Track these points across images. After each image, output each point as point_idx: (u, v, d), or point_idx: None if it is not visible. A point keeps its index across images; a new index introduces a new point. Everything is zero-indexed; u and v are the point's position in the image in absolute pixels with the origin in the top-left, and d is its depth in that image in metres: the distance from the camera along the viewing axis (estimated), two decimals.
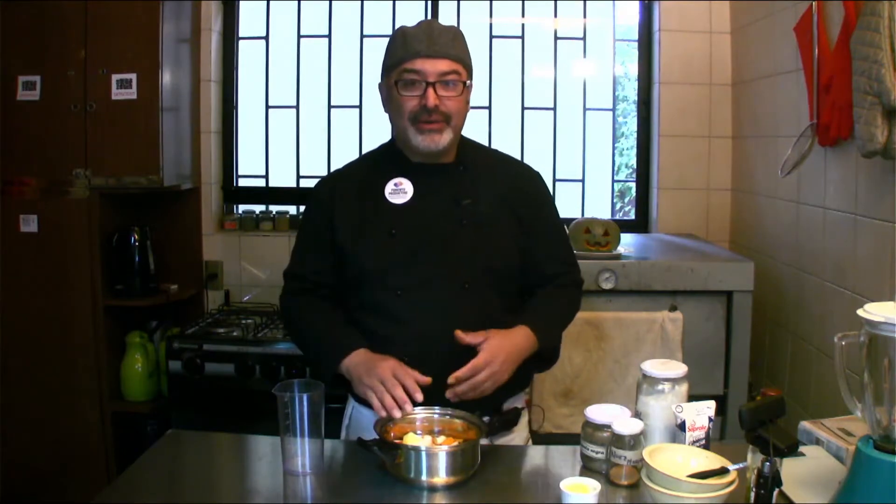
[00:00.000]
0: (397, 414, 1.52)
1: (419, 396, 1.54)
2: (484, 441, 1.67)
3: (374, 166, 1.78)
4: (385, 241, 1.69)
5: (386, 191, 1.72)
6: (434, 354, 1.64)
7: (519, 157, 1.99)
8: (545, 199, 1.85)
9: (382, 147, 1.84)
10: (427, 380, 1.56)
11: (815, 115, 2.28)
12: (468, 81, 1.69)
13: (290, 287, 1.84)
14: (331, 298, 1.79)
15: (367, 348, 1.66)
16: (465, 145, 1.79)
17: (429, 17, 3.32)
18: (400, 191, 1.72)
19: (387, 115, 1.76)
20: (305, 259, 1.81)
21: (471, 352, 1.61)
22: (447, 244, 1.68)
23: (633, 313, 2.50)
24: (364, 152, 1.92)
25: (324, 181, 1.85)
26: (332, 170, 1.91)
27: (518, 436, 1.79)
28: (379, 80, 1.75)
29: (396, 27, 1.71)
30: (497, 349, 1.59)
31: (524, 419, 1.83)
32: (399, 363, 1.59)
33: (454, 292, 1.67)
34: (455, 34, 1.67)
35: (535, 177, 1.86)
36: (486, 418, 1.68)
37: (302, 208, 3.44)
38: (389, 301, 1.68)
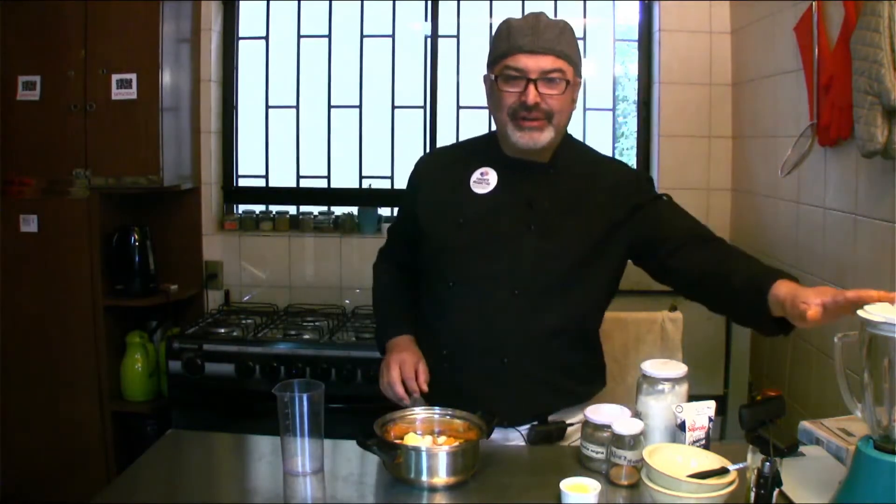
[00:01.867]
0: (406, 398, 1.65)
1: (416, 395, 1.65)
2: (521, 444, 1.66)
3: (469, 153, 1.77)
4: (451, 229, 1.68)
5: (472, 179, 1.70)
6: (467, 355, 1.65)
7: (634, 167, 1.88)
8: (644, 191, 1.73)
9: (485, 135, 1.82)
10: (423, 387, 1.64)
11: (815, 115, 2.28)
12: (574, 79, 1.62)
13: (383, 248, 1.96)
14: (409, 271, 1.85)
15: (411, 336, 1.76)
16: (565, 145, 1.72)
17: (428, 16, 3.32)
18: (484, 181, 1.69)
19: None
20: (395, 231, 1.93)
21: (503, 356, 1.64)
22: (508, 245, 1.64)
23: (633, 313, 2.49)
24: (468, 138, 1.89)
25: (422, 158, 1.88)
26: (436, 148, 1.94)
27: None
28: (484, 72, 1.70)
29: (503, 20, 1.65)
30: (823, 289, 1.34)
31: (575, 435, 1.68)
32: (412, 358, 1.68)
33: (502, 296, 1.63)
34: (563, 28, 1.60)
35: (636, 176, 1.78)
36: (525, 427, 1.67)
37: (302, 208, 3.45)
38: (442, 290, 1.69)
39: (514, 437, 1.69)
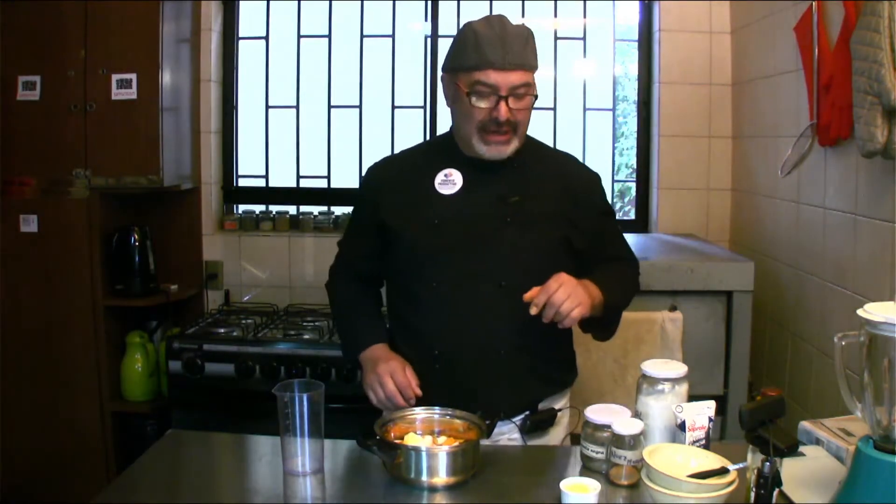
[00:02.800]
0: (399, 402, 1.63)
1: (412, 402, 1.63)
2: (518, 442, 1.69)
3: (428, 155, 1.78)
4: (427, 230, 1.68)
5: (436, 181, 1.71)
6: (462, 351, 1.67)
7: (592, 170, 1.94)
8: (596, 200, 1.81)
9: (438, 138, 1.84)
10: (417, 392, 1.63)
11: (815, 115, 2.28)
12: (535, 87, 1.65)
13: (336, 263, 1.92)
14: (371, 283, 1.86)
15: (385, 343, 1.73)
16: (525, 143, 1.75)
17: (428, 17, 3.31)
18: (449, 182, 1.71)
19: (447, 110, 1.75)
20: (350, 243, 1.88)
21: (500, 349, 1.66)
22: (488, 241, 1.67)
23: (633, 313, 2.49)
24: (419, 143, 1.91)
25: (372, 168, 1.85)
26: (385, 156, 1.91)
27: (553, 438, 1.77)
28: (442, 72, 1.71)
29: (465, 24, 1.65)
30: (560, 274, 1.58)
31: (563, 421, 1.80)
32: (400, 366, 1.65)
33: (489, 290, 1.66)
34: (526, 37, 1.62)
35: (590, 178, 1.83)
36: (520, 417, 1.70)
37: (302, 208, 3.45)
38: (425, 292, 1.70)
39: (507, 429, 1.71)
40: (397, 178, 1.77)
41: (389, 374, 1.64)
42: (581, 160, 1.89)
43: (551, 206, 1.71)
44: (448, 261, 1.67)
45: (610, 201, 3.42)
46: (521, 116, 1.64)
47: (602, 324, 1.74)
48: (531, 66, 1.63)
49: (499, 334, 1.67)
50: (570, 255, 1.73)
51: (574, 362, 1.89)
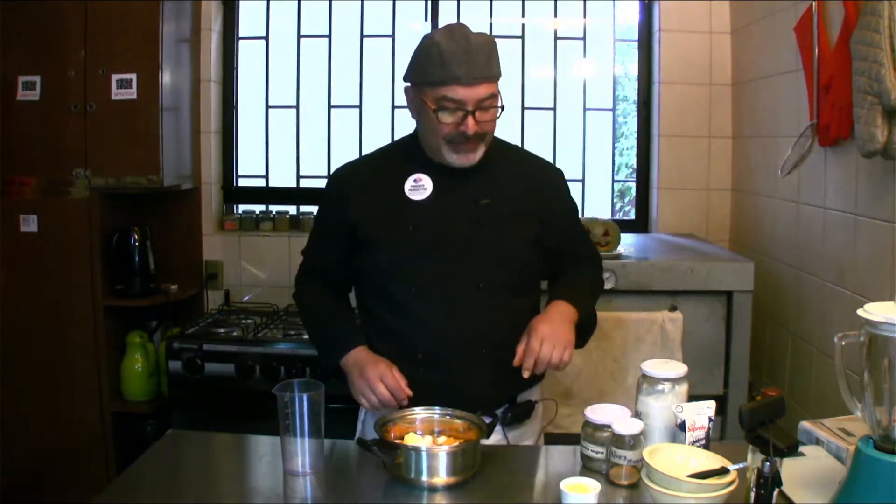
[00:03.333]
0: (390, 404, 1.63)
1: (404, 403, 1.62)
2: (498, 435, 1.70)
3: (394, 160, 1.78)
4: (404, 236, 1.69)
5: (406, 187, 1.71)
6: (446, 351, 1.68)
7: (554, 164, 1.98)
8: (562, 197, 1.84)
9: (402, 141, 1.84)
10: (408, 392, 1.63)
11: (815, 115, 2.28)
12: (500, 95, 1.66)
13: (302, 272, 1.89)
14: (340, 289, 1.84)
15: (365, 346, 1.71)
16: (490, 144, 1.76)
17: (428, 17, 3.31)
18: (420, 187, 1.71)
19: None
20: (317, 250, 1.86)
21: (483, 348, 1.68)
22: (464, 243, 1.69)
23: (633, 313, 2.50)
24: (378, 147, 1.89)
25: (339, 173, 1.83)
26: (349, 160, 1.89)
27: (531, 429, 1.80)
28: (406, 84, 1.72)
29: (426, 37, 1.66)
30: (538, 324, 1.63)
31: (539, 413, 1.84)
32: (388, 368, 1.65)
33: (469, 291, 1.68)
34: (490, 49, 1.62)
35: (555, 175, 1.86)
36: (499, 410, 1.72)
37: (302, 208, 3.44)
38: (405, 296, 1.70)
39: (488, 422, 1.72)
40: (366, 182, 1.76)
41: (379, 377, 1.64)
42: (542, 156, 1.92)
43: (521, 205, 1.74)
44: (426, 265, 1.69)
45: (610, 202, 3.47)
46: (488, 127, 1.65)
47: (578, 334, 1.74)
48: (496, 77, 1.64)
49: (480, 333, 1.69)
50: (540, 252, 1.77)
51: None
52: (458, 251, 1.68)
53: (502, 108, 1.66)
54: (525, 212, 1.74)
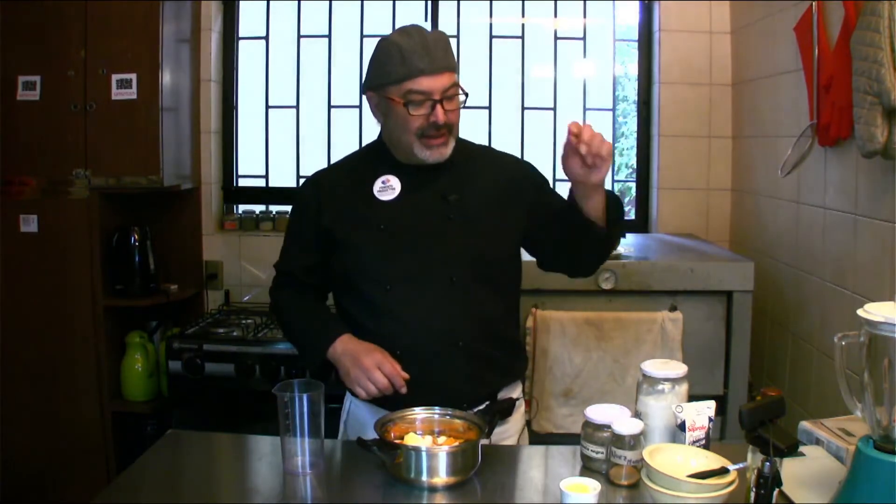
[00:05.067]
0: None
1: (403, 390, 1.63)
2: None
3: (362, 164, 1.82)
4: (374, 236, 1.71)
5: (374, 188, 1.75)
6: (423, 348, 1.69)
7: (519, 157, 2.00)
8: (542, 179, 1.87)
9: (369, 146, 1.87)
10: (405, 375, 1.63)
11: (815, 115, 2.28)
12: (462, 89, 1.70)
13: (277, 281, 1.90)
14: (316, 292, 1.87)
15: (350, 333, 1.73)
16: (456, 144, 1.79)
17: (428, 17, 3.31)
18: (388, 188, 1.74)
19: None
20: (291, 256, 1.87)
21: (458, 340, 1.69)
22: (434, 239, 1.71)
23: (633, 313, 2.50)
24: (346, 155, 1.93)
25: (309, 180, 1.87)
26: (318, 169, 1.93)
27: (513, 426, 1.80)
28: (367, 90, 1.73)
29: (382, 40, 1.69)
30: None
31: (520, 410, 1.85)
32: (384, 356, 1.66)
33: (442, 286, 1.69)
34: (445, 42, 1.68)
35: (527, 165, 1.90)
36: (481, 408, 1.70)
37: None
38: (379, 295, 1.72)
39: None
40: (336, 187, 1.79)
41: (376, 365, 1.63)
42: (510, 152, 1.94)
43: (489, 197, 1.76)
44: (398, 263, 1.71)
45: None
46: (454, 117, 1.69)
47: (609, 220, 1.67)
48: (455, 68, 1.69)
49: (456, 327, 1.70)
50: (514, 247, 1.80)
51: (524, 350, 2.00)
52: (428, 247, 1.71)
53: (466, 95, 1.69)
54: (494, 203, 1.75)
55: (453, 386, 1.68)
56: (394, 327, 1.71)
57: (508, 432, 1.79)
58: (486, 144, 1.92)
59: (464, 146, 1.82)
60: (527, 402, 2.00)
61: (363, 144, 3.33)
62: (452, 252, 1.71)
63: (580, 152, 1.52)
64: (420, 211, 1.73)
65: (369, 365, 1.63)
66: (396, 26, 3.61)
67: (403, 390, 1.62)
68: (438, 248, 1.71)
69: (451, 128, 1.69)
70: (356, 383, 1.64)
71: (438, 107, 1.64)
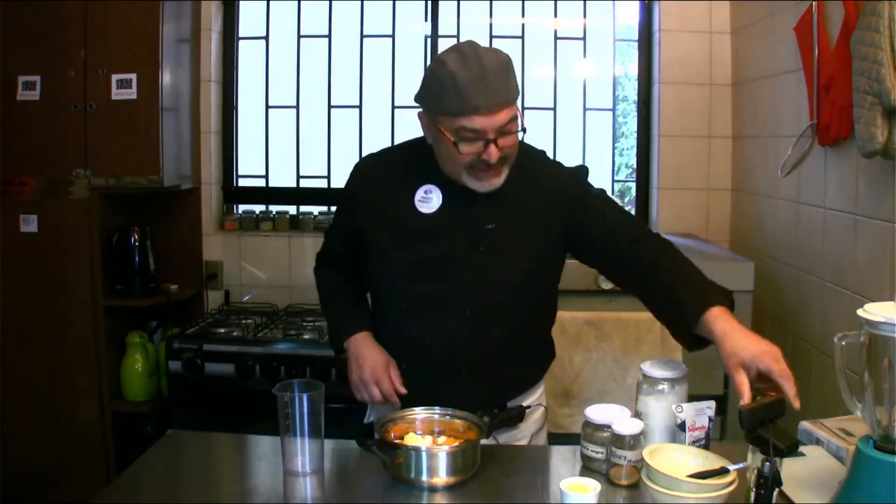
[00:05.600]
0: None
1: (395, 400, 1.66)
2: (488, 440, 1.69)
3: (407, 165, 1.72)
4: (401, 251, 1.67)
5: (416, 196, 1.67)
6: (429, 367, 1.69)
7: (571, 166, 1.83)
8: (589, 193, 1.73)
9: (417, 145, 1.72)
10: (401, 391, 1.67)
11: (815, 115, 2.28)
12: (521, 119, 1.58)
13: (320, 255, 1.93)
14: (352, 274, 1.85)
15: (368, 332, 1.75)
16: None
17: (428, 17, 3.31)
18: (428, 200, 1.67)
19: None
20: (331, 238, 1.89)
21: (462, 367, 1.67)
22: (458, 268, 1.65)
23: (633, 313, 2.50)
24: (409, 140, 1.79)
25: (357, 170, 1.78)
26: (373, 153, 1.82)
27: (521, 433, 1.79)
28: (419, 107, 1.62)
29: (438, 63, 1.53)
30: (759, 355, 1.41)
31: (533, 416, 1.81)
32: (385, 371, 1.68)
33: (455, 316, 1.66)
34: (506, 70, 1.53)
35: (575, 177, 1.75)
36: (486, 418, 1.69)
37: (302, 208, 3.44)
38: (393, 309, 1.72)
39: None
40: (381, 181, 1.72)
41: (374, 382, 1.67)
42: (560, 161, 1.83)
43: (528, 224, 1.67)
44: (418, 283, 1.67)
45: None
46: (510, 151, 1.57)
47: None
48: (515, 99, 1.55)
49: (462, 357, 1.68)
50: (543, 273, 1.72)
51: (550, 348, 1.87)
52: (450, 275, 1.65)
53: (524, 130, 1.57)
54: (535, 233, 1.67)
55: (456, 403, 1.64)
56: (402, 344, 1.72)
57: (516, 438, 1.77)
58: (541, 150, 1.78)
59: (518, 160, 1.68)
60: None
61: (363, 145, 3.38)
62: (472, 284, 1.65)
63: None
64: (451, 234, 1.65)
65: (368, 379, 1.68)
66: (396, 26, 3.62)
67: (394, 399, 1.67)
68: (461, 279, 1.65)
69: (505, 160, 1.57)
70: (354, 390, 1.71)
71: (492, 146, 1.51)
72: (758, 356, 1.37)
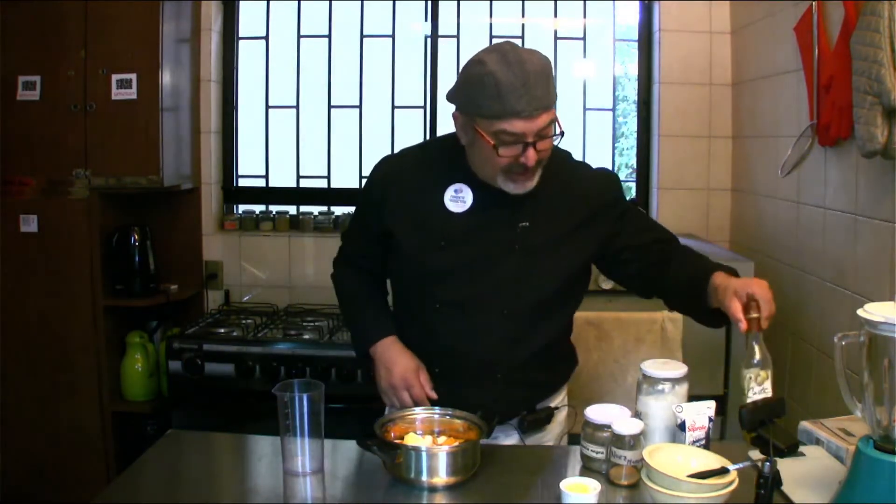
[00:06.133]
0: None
1: (426, 405, 1.64)
2: (515, 440, 1.72)
3: (435, 164, 1.70)
4: (434, 251, 1.64)
5: (446, 196, 1.65)
6: (461, 371, 1.67)
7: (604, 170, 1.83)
8: (628, 209, 1.75)
9: (444, 143, 1.72)
10: (433, 396, 1.66)
11: (815, 115, 2.28)
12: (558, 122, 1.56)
13: (339, 258, 1.88)
14: (374, 276, 1.82)
15: (394, 336, 1.73)
16: None
17: (428, 17, 3.31)
18: (459, 199, 1.64)
19: (447, 111, 1.63)
20: (354, 238, 1.84)
21: (497, 372, 1.66)
22: (494, 267, 1.63)
23: (633, 313, 2.49)
24: (427, 140, 1.79)
25: (379, 170, 1.75)
26: (393, 153, 1.82)
27: (549, 435, 1.79)
28: (454, 108, 1.60)
29: (478, 64, 1.50)
30: (747, 284, 1.46)
31: (559, 417, 1.81)
32: (415, 376, 1.66)
33: (492, 316, 1.64)
34: (547, 73, 1.51)
35: (611, 186, 1.75)
36: (516, 419, 1.72)
37: (302, 208, 3.44)
38: (427, 311, 1.69)
39: (505, 431, 1.73)
40: (406, 184, 1.69)
41: (406, 388, 1.66)
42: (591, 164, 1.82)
43: (561, 225, 1.66)
44: (452, 284, 1.65)
45: None
46: (546, 155, 1.57)
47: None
48: (554, 103, 1.54)
49: (500, 358, 1.67)
50: (576, 276, 1.71)
51: (572, 358, 1.88)
52: (487, 275, 1.63)
53: (562, 134, 1.56)
54: (568, 233, 1.66)
55: (487, 404, 1.64)
56: (435, 346, 1.69)
57: (544, 440, 1.77)
58: (568, 152, 1.77)
59: (550, 162, 1.67)
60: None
61: (363, 145, 3.38)
62: (511, 284, 1.63)
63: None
64: (486, 234, 1.63)
65: (398, 385, 1.66)
66: (396, 26, 3.61)
67: (426, 403, 1.66)
68: (497, 278, 1.63)
69: (541, 162, 1.56)
70: (383, 394, 1.70)
71: (531, 149, 1.50)
72: (746, 283, 1.46)
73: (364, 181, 1.85)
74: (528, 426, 1.72)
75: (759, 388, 1.36)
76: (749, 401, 1.36)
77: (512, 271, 1.63)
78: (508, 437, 1.74)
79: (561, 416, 1.82)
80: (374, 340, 1.72)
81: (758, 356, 1.36)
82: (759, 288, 1.43)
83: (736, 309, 1.41)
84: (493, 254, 1.63)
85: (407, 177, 1.70)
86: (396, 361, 1.68)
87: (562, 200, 1.67)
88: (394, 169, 1.73)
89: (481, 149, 1.55)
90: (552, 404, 1.78)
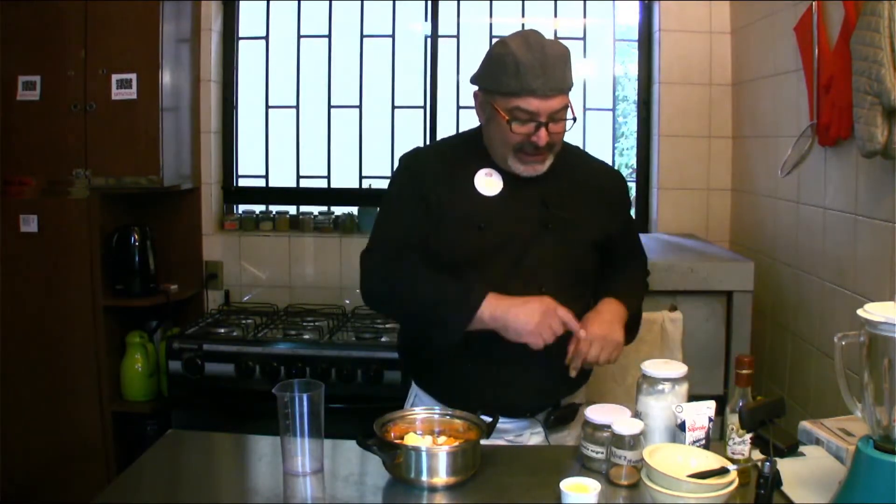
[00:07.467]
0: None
1: (582, 333, 1.61)
2: (539, 437, 1.73)
3: (459, 155, 1.75)
4: (471, 234, 1.67)
5: (476, 181, 1.70)
6: (500, 353, 1.65)
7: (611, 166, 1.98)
8: (624, 202, 1.88)
9: (466, 137, 1.81)
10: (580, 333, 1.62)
11: (815, 115, 2.28)
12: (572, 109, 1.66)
13: (383, 254, 1.71)
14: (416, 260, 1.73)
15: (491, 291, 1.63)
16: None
17: (428, 17, 3.31)
18: (491, 182, 1.70)
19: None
20: (393, 227, 1.73)
21: (533, 359, 1.63)
22: (530, 246, 1.68)
23: None
24: (442, 138, 1.87)
25: (415, 155, 1.80)
26: (417, 147, 1.87)
27: (572, 434, 1.79)
28: (475, 87, 1.70)
29: (501, 43, 1.62)
30: (590, 324, 1.62)
31: (582, 415, 1.79)
32: (549, 306, 1.59)
33: (530, 294, 1.63)
34: (565, 59, 1.63)
35: (618, 179, 1.88)
36: (542, 414, 1.74)
37: (302, 208, 3.44)
38: None
39: (529, 425, 1.75)
40: (439, 169, 1.73)
41: (549, 326, 1.57)
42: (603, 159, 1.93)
43: (585, 211, 1.74)
44: (491, 265, 1.67)
45: None
46: (558, 139, 1.66)
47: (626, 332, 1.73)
48: (569, 89, 1.64)
49: None
50: (596, 256, 1.77)
51: None
52: (523, 253, 1.67)
53: (574, 119, 1.66)
54: (588, 217, 1.74)
55: (520, 396, 1.67)
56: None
57: (569, 437, 1.78)
58: (579, 146, 1.88)
59: (565, 150, 1.77)
60: None
61: (363, 145, 3.38)
62: (547, 261, 1.68)
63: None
64: (519, 214, 1.69)
65: (549, 310, 1.58)
66: (396, 26, 3.62)
67: (582, 333, 1.61)
68: (533, 256, 1.67)
69: (551, 147, 1.65)
70: (530, 336, 1.57)
71: (543, 129, 1.60)
72: (589, 319, 1.64)
73: (394, 174, 1.83)
74: (553, 422, 1.74)
75: (739, 439, 1.38)
76: (727, 449, 1.39)
77: (548, 248, 1.69)
78: (534, 435, 1.75)
79: (583, 415, 1.82)
80: (480, 298, 1.59)
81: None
82: (596, 326, 1.60)
83: (571, 347, 1.60)
84: (529, 233, 1.68)
85: (438, 168, 1.75)
86: (523, 300, 1.59)
87: (581, 185, 1.76)
88: (427, 159, 1.79)
89: (496, 126, 1.64)
90: (577, 401, 1.81)
